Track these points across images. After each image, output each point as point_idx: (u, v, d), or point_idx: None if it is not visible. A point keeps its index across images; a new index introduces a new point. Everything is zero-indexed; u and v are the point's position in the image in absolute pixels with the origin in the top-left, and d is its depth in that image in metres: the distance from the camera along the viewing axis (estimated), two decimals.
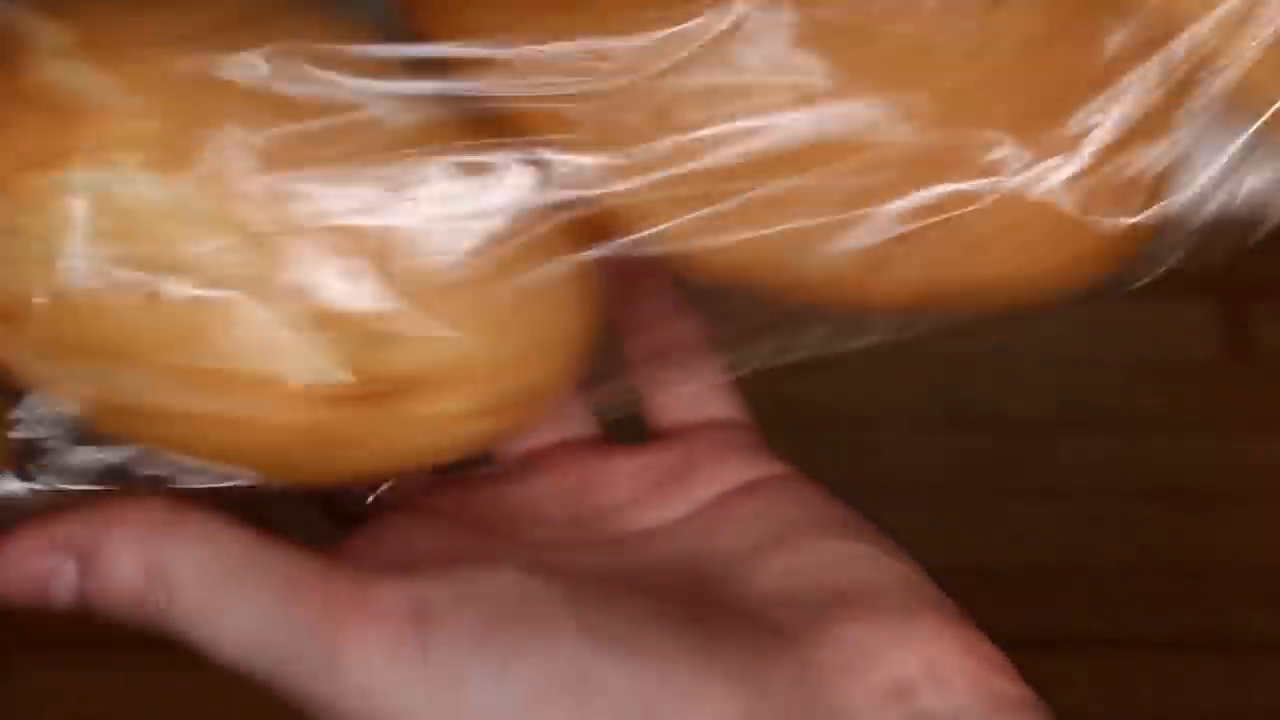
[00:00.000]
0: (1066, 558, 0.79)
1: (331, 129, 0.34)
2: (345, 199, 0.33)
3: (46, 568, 0.35)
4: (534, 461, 0.37)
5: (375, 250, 0.33)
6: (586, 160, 0.34)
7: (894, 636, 0.33)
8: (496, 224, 0.34)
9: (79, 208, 0.34)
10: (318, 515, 0.38)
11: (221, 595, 0.34)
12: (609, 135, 0.33)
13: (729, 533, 0.35)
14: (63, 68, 0.34)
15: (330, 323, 0.33)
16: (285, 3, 0.36)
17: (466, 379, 0.34)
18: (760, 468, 0.36)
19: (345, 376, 0.33)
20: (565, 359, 0.34)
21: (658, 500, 0.36)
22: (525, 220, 0.34)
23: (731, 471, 0.36)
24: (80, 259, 0.34)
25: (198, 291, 0.33)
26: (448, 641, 0.32)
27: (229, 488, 0.36)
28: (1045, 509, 0.86)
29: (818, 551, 0.35)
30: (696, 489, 0.36)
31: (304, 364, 0.33)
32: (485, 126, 0.34)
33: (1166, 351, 0.88)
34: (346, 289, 0.33)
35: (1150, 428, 0.88)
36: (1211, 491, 0.82)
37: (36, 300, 0.34)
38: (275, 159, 0.33)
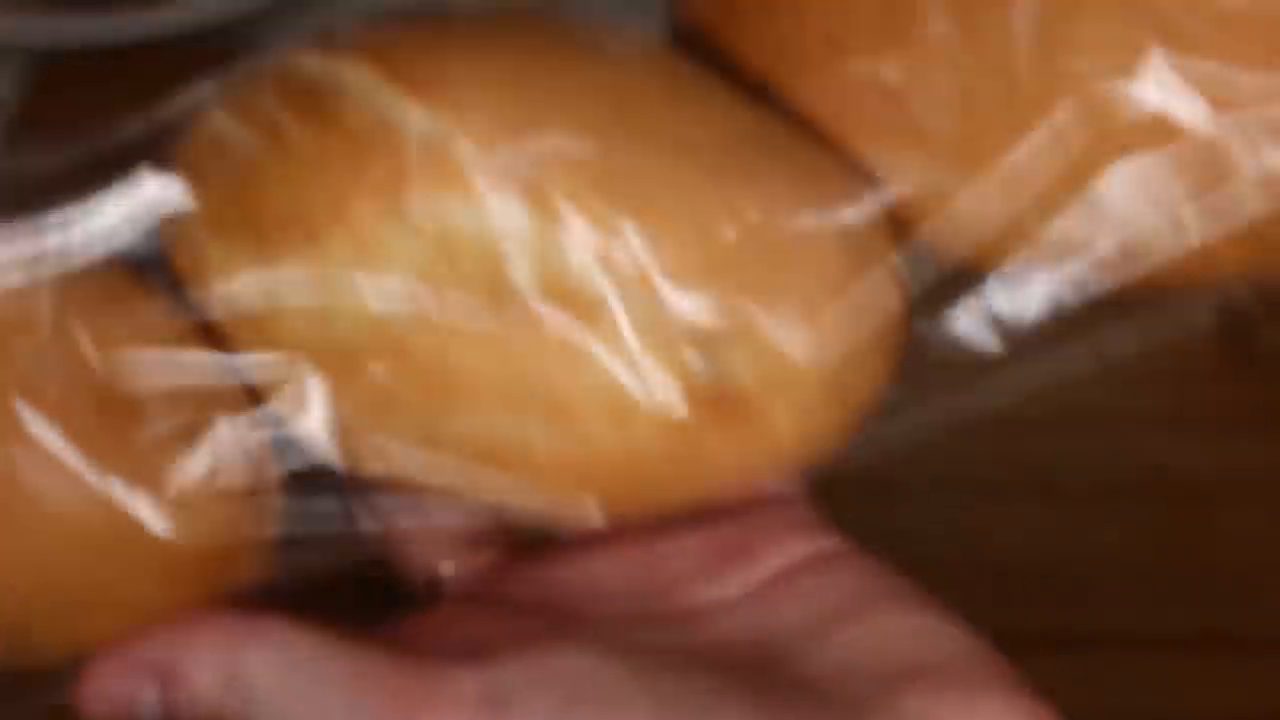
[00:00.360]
0: (1065, 556, 0.79)
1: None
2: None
3: (129, 692, 0.35)
4: (593, 538, 0.37)
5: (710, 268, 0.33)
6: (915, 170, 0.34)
7: (960, 710, 0.33)
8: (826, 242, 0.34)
9: (422, 240, 0.33)
10: (373, 598, 0.38)
11: (297, 698, 0.34)
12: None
13: (792, 608, 0.35)
14: (379, 105, 0.34)
15: (674, 339, 0.33)
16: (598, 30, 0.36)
17: (805, 391, 0.34)
18: (820, 542, 0.36)
19: (694, 397, 0.34)
20: (887, 364, 0.35)
21: (720, 575, 0.36)
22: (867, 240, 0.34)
23: (792, 546, 0.36)
24: (424, 296, 0.33)
25: (544, 321, 0.33)
26: None
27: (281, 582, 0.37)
28: (1044, 508, 0.86)
29: (881, 625, 0.35)
30: (758, 564, 0.36)
31: (653, 384, 0.33)
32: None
33: (1166, 351, 0.88)
34: (686, 306, 0.33)
35: (1150, 428, 0.88)
36: (1211, 491, 0.83)
37: (374, 345, 0.34)
38: (604, 186, 0.33)
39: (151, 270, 0.36)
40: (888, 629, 0.35)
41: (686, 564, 0.37)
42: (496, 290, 0.33)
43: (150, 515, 0.34)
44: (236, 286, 0.34)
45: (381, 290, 0.33)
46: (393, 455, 0.34)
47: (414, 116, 0.33)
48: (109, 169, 0.38)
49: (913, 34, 0.33)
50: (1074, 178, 0.33)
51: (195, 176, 0.36)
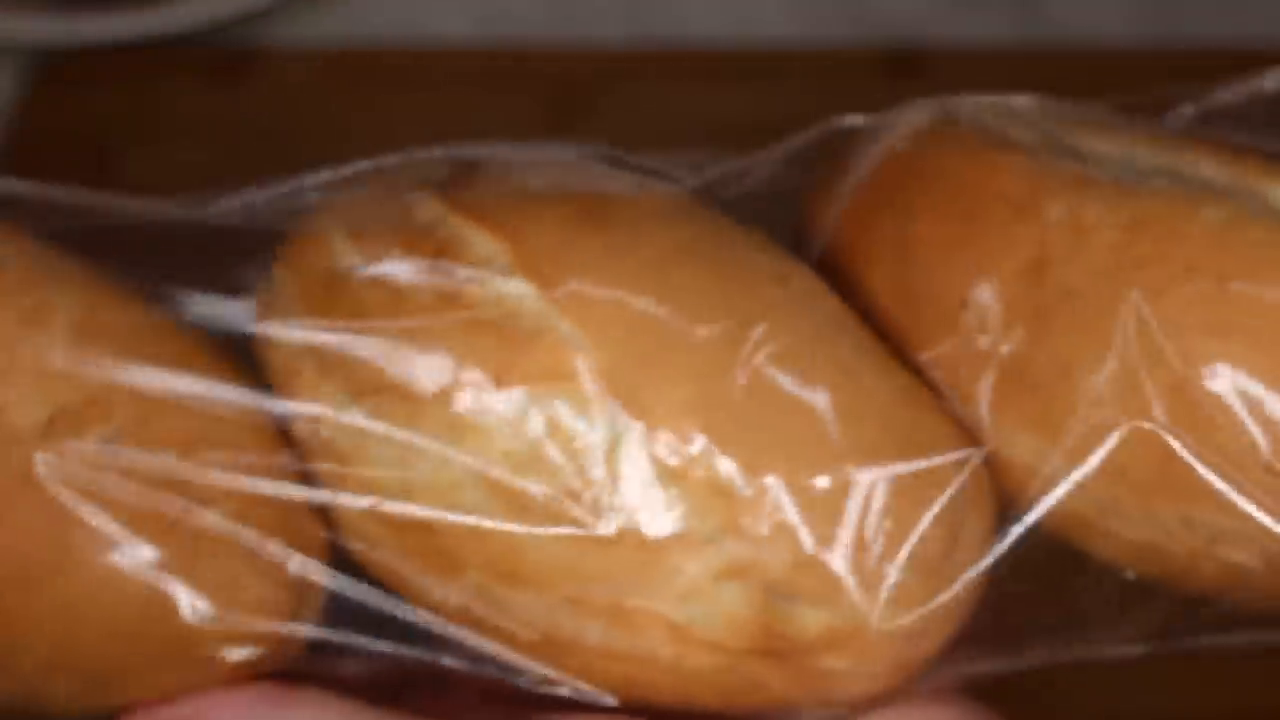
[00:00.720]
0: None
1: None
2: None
3: None
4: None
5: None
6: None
7: None
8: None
9: (515, 428, 0.33)
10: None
11: None
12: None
13: None
14: (504, 286, 0.34)
15: (747, 573, 0.33)
16: (735, 234, 0.36)
17: (867, 643, 0.34)
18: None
19: (756, 631, 0.33)
20: (958, 625, 0.34)
21: None
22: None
23: None
24: (508, 480, 0.33)
25: (623, 529, 0.33)
26: None
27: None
28: None
29: None
30: None
31: (716, 613, 0.33)
32: None
33: None
34: (772, 545, 0.33)
35: None
36: None
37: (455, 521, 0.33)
38: (708, 419, 0.33)
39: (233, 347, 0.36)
40: None
41: None
42: (581, 489, 0.33)
43: (191, 603, 0.34)
44: (324, 417, 0.34)
45: (466, 466, 0.33)
46: (439, 602, 0.34)
47: (537, 308, 0.33)
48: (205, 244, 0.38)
49: (1051, 323, 0.33)
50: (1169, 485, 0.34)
51: (299, 284, 0.35)
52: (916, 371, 0.35)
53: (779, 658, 0.34)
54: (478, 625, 0.34)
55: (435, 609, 0.35)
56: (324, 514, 0.35)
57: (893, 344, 0.36)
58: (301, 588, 0.35)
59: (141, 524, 0.34)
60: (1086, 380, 0.34)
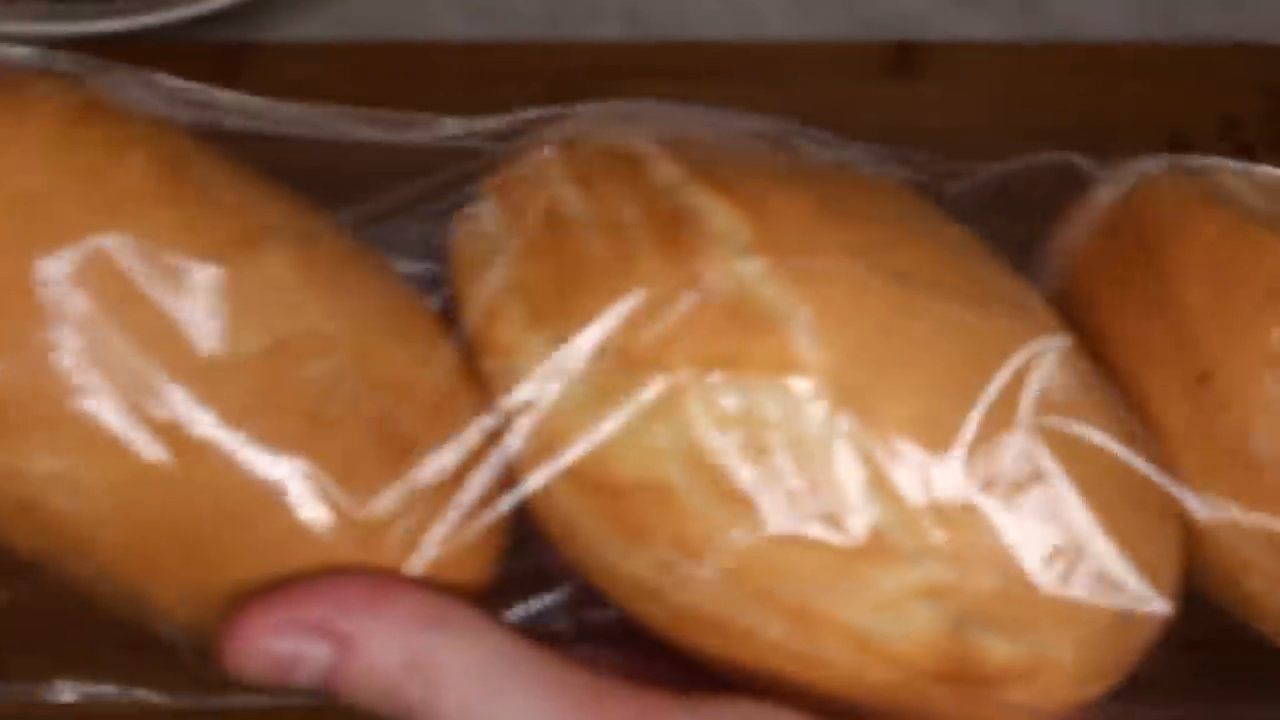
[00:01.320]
0: None
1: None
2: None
3: (294, 650, 0.33)
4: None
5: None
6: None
7: None
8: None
9: (734, 413, 0.32)
10: None
11: (488, 696, 0.32)
12: None
13: None
14: (741, 266, 0.33)
15: (944, 596, 0.32)
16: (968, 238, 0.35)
17: (1052, 679, 0.33)
18: None
19: (942, 654, 0.33)
20: (1138, 656, 0.34)
21: None
22: None
23: None
24: (719, 466, 0.32)
25: (828, 533, 0.32)
26: None
27: None
28: None
29: None
30: None
31: (905, 631, 0.33)
32: None
33: None
34: (977, 571, 0.32)
35: None
36: None
37: (646, 485, 0.33)
38: (935, 431, 0.32)
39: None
40: None
41: None
42: (789, 484, 0.32)
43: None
44: (532, 378, 0.33)
45: (673, 439, 0.32)
46: (616, 567, 0.34)
47: (773, 293, 0.32)
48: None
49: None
50: None
51: (512, 220, 0.35)
52: (1139, 414, 0.35)
53: (958, 683, 0.33)
54: (653, 596, 0.34)
55: (611, 575, 0.34)
56: (510, 466, 0.34)
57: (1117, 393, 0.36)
58: (485, 539, 0.34)
59: (356, 472, 0.33)
60: None
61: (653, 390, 0.32)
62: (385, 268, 0.35)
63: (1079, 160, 0.38)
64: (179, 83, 0.35)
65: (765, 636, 0.33)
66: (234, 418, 0.32)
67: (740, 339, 0.32)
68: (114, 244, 0.32)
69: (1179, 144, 0.63)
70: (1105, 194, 0.38)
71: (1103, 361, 0.36)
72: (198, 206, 0.33)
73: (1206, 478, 0.35)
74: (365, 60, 0.70)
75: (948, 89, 0.69)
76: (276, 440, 0.33)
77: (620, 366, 0.33)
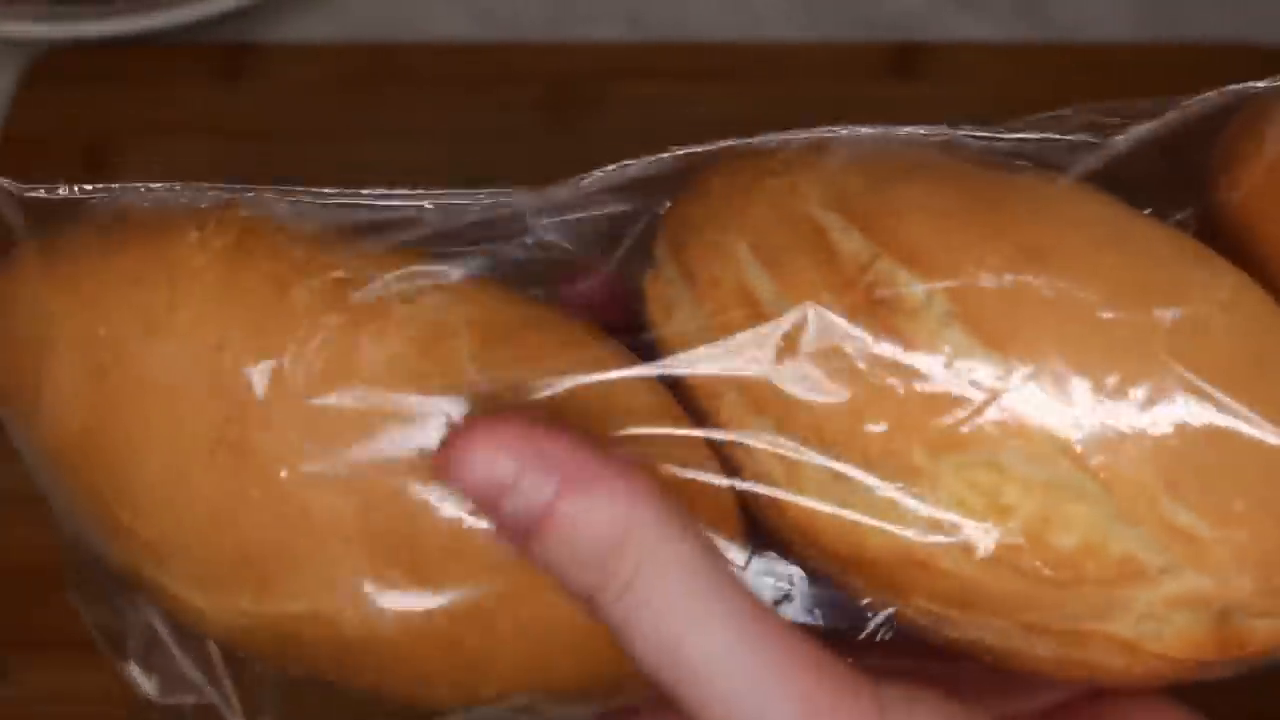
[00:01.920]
0: None
1: None
2: None
3: (516, 475, 0.30)
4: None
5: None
6: None
7: None
8: None
9: (974, 488, 0.33)
10: None
11: (692, 600, 0.30)
12: None
13: None
14: (947, 336, 0.33)
15: (1206, 601, 0.33)
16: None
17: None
18: (1167, 714, 0.36)
19: (1209, 646, 0.34)
20: None
21: (999, 695, 0.36)
22: None
23: (1139, 715, 0.35)
24: (962, 528, 0.33)
25: (1077, 567, 0.33)
26: None
27: None
28: None
29: None
30: (1042, 691, 0.36)
31: (1170, 632, 0.34)
32: None
33: None
34: (1236, 578, 0.33)
35: None
36: None
37: (889, 551, 0.33)
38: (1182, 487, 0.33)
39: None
40: None
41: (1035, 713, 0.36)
42: (1040, 534, 0.33)
43: None
44: (755, 449, 0.33)
45: (924, 516, 0.33)
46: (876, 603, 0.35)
47: (987, 358, 0.32)
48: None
49: None
50: None
51: (702, 296, 0.35)
52: None
53: (1229, 661, 0.34)
54: (915, 631, 0.35)
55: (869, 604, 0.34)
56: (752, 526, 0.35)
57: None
58: None
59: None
60: None
61: (894, 475, 0.33)
62: (557, 323, 0.36)
63: (1235, 90, 0.37)
64: (309, 195, 0.35)
65: (1038, 653, 0.34)
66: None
67: (963, 412, 0.33)
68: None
69: None
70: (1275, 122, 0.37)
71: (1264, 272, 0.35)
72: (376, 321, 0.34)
73: None
74: (366, 62, 0.70)
75: (948, 89, 0.69)
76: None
77: (860, 462, 0.33)
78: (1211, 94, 0.37)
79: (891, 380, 0.33)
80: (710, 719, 0.30)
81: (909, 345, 0.33)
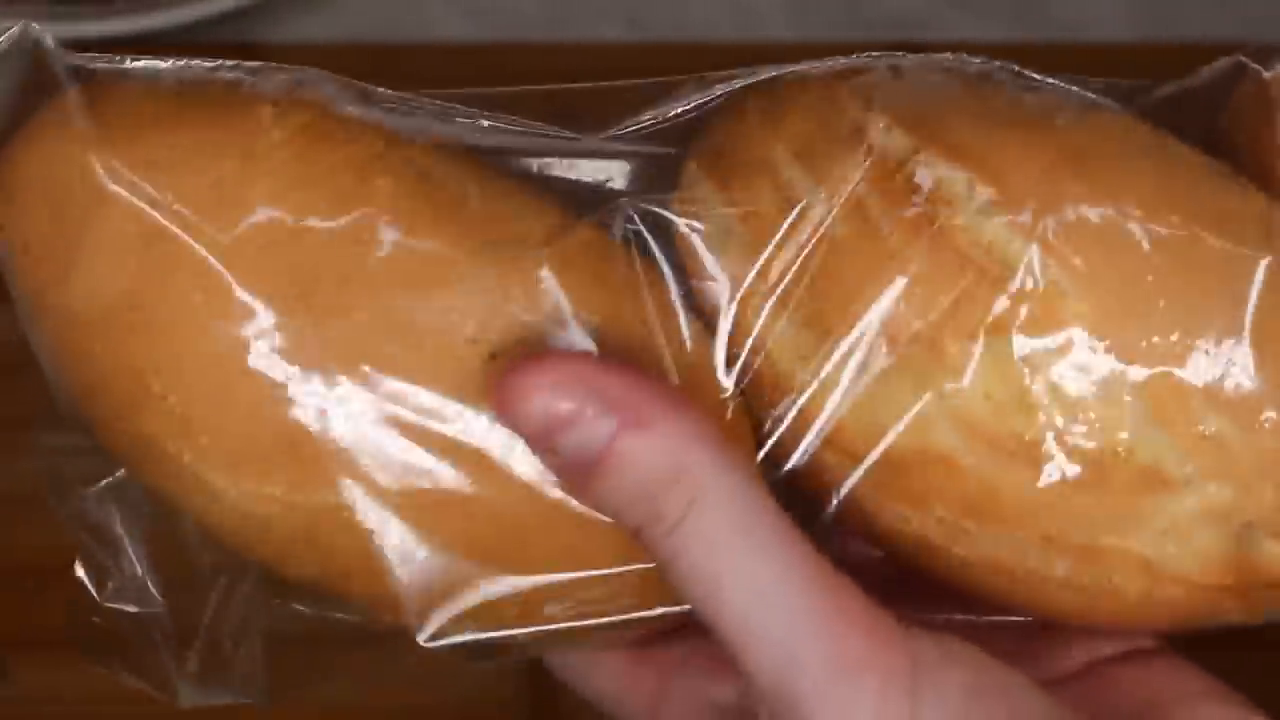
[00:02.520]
0: None
1: None
2: None
3: (577, 412, 0.31)
4: None
5: None
6: None
7: None
8: None
9: (1000, 374, 0.33)
10: None
11: (741, 535, 0.31)
12: None
13: (1107, 698, 0.34)
14: (989, 227, 0.33)
15: (1227, 514, 0.33)
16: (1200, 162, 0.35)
17: None
18: (1131, 640, 0.36)
19: (1229, 569, 0.34)
20: None
21: (1032, 660, 0.35)
22: None
23: (1100, 642, 0.36)
24: (987, 426, 0.33)
25: (1108, 473, 0.33)
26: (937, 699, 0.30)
27: None
28: None
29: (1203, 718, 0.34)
30: (1067, 657, 0.36)
31: (1191, 551, 0.33)
32: None
33: None
34: (1259, 488, 0.33)
35: None
36: None
37: (920, 451, 0.33)
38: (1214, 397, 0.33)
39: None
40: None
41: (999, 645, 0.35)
42: (1066, 435, 0.33)
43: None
44: (779, 351, 0.33)
45: (949, 413, 0.33)
46: (894, 529, 0.34)
47: (1023, 251, 0.32)
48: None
49: None
50: None
51: (737, 198, 0.35)
52: None
53: (1246, 590, 0.34)
54: (934, 553, 0.34)
55: (890, 536, 0.34)
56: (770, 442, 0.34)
57: None
58: None
59: None
60: None
61: (921, 366, 0.33)
62: (624, 257, 0.35)
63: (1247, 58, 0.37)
64: (365, 86, 0.35)
65: (1052, 574, 0.34)
66: None
67: (998, 301, 0.32)
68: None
69: None
70: None
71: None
72: (453, 223, 0.34)
73: None
74: (365, 62, 0.70)
75: None
76: None
77: (887, 349, 0.33)
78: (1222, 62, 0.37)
79: (924, 267, 0.33)
80: (745, 657, 0.30)
81: (945, 233, 0.33)
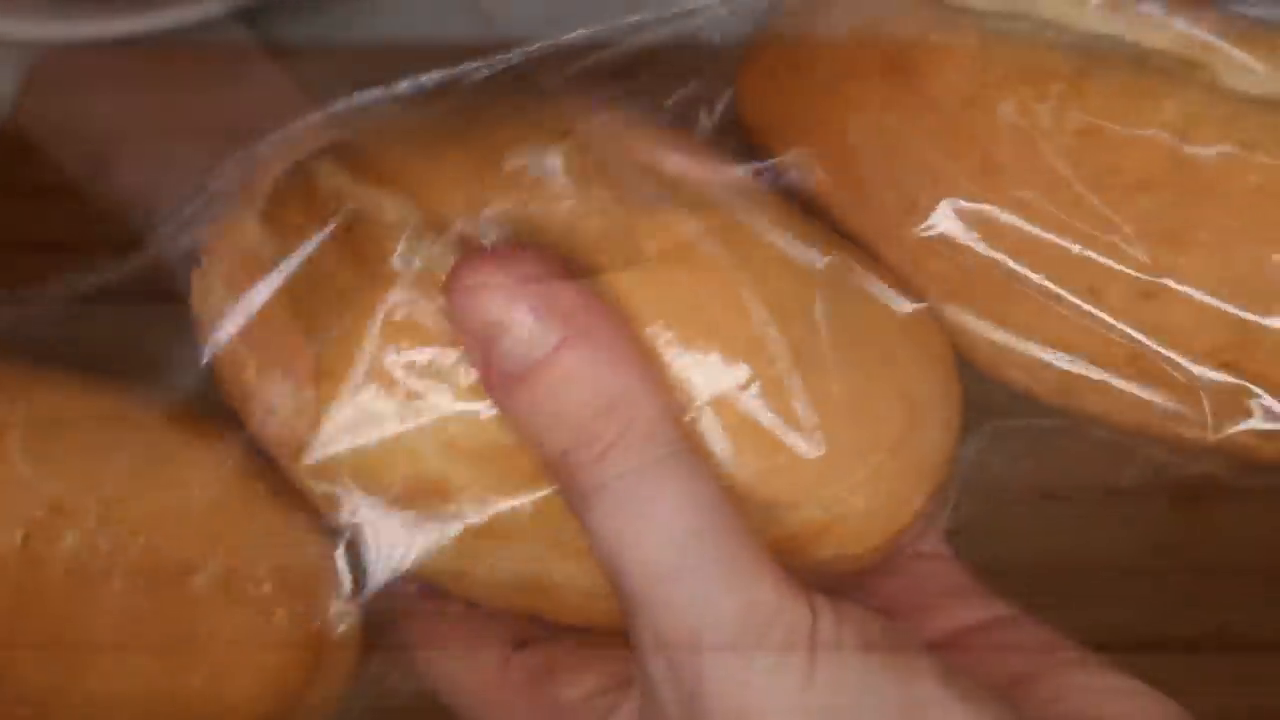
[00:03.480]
0: (1067, 557, 0.79)
1: None
2: None
3: (522, 318, 0.29)
4: None
5: None
6: None
7: None
8: None
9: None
10: None
11: (665, 491, 0.30)
12: None
13: (977, 665, 0.34)
14: (424, 249, 0.34)
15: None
16: None
17: (853, 533, 0.34)
18: (992, 608, 0.36)
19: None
20: (933, 490, 0.36)
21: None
22: None
23: (961, 612, 0.35)
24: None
25: None
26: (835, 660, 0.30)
27: None
28: (1046, 509, 0.86)
29: (1078, 685, 0.34)
30: (927, 627, 0.35)
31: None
32: None
33: None
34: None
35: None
36: (1212, 490, 0.82)
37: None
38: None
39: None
40: (1088, 688, 0.34)
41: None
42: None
43: None
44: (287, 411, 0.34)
45: (430, 439, 0.32)
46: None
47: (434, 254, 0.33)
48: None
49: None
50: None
51: (225, 273, 0.35)
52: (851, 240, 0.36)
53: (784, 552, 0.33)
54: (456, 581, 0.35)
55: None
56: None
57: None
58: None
59: None
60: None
61: (403, 401, 0.32)
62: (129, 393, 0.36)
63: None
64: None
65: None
66: None
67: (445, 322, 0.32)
68: None
69: None
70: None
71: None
72: None
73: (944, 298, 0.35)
74: (366, 63, 0.70)
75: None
76: None
77: (379, 385, 0.32)
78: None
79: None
80: (652, 605, 0.29)
81: (390, 264, 0.33)
